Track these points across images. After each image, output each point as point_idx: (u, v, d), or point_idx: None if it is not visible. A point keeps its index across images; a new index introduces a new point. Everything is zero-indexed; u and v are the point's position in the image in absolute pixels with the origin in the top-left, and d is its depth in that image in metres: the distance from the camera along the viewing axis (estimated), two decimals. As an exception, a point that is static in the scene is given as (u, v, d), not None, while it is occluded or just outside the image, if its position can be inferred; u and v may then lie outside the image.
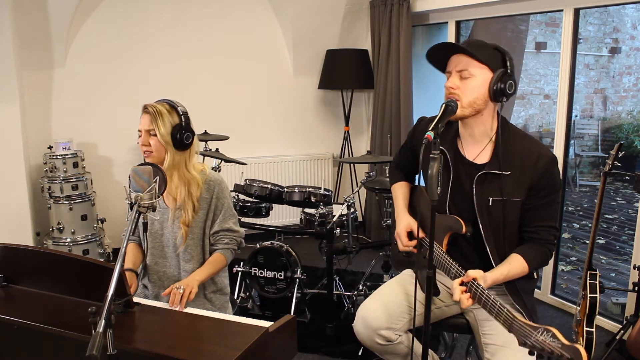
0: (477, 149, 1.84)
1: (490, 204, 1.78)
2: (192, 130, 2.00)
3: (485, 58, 1.72)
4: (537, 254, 1.77)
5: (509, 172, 1.76)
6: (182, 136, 1.96)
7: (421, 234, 1.95)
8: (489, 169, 1.79)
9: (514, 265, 1.73)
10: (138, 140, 1.99)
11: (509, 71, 1.73)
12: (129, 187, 1.57)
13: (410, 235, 1.98)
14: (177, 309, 1.74)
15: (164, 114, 1.94)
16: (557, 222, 1.82)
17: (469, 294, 1.65)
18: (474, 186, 1.80)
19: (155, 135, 1.93)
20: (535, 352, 1.43)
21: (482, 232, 1.79)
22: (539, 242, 1.78)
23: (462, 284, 1.67)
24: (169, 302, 1.78)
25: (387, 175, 3.24)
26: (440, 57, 1.82)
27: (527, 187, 1.75)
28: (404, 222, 2.00)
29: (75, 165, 3.70)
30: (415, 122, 2.14)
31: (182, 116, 1.97)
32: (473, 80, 1.73)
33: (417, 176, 2.18)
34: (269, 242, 3.19)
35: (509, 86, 1.72)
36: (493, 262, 1.78)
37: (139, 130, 1.98)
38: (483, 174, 1.79)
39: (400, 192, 2.14)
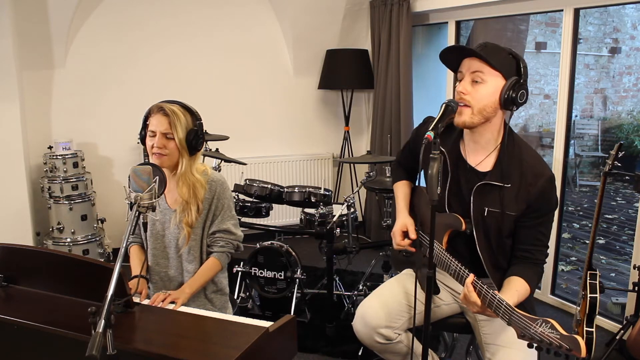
0: (481, 156, 1.80)
1: (486, 214, 1.76)
2: (204, 136, 2.00)
3: (498, 64, 1.68)
4: (534, 274, 1.75)
5: (509, 185, 1.73)
6: (197, 141, 1.95)
7: (414, 236, 1.93)
8: (490, 179, 1.75)
9: (521, 292, 1.68)
10: (152, 142, 1.91)
11: (522, 80, 1.69)
12: (129, 187, 1.57)
13: (406, 235, 1.97)
14: (159, 305, 1.76)
15: (181, 117, 1.91)
16: (548, 240, 1.80)
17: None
18: (472, 194, 1.78)
19: (173, 138, 1.91)
20: (535, 345, 1.43)
21: (476, 240, 1.78)
22: (534, 262, 1.76)
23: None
24: (150, 300, 1.80)
25: (389, 173, 3.24)
26: (452, 58, 1.77)
27: (524, 204, 1.72)
28: (401, 221, 1.99)
29: (75, 165, 3.70)
30: (416, 121, 2.13)
31: (198, 121, 1.96)
32: (485, 87, 1.69)
33: (417, 177, 2.18)
34: (269, 242, 3.18)
35: (520, 95, 1.68)
36: (486, 270, 1.77)
37: (152, 131, 1.92)
38: (483, 184, 1.76)
39: (401, 190, 2.13)
